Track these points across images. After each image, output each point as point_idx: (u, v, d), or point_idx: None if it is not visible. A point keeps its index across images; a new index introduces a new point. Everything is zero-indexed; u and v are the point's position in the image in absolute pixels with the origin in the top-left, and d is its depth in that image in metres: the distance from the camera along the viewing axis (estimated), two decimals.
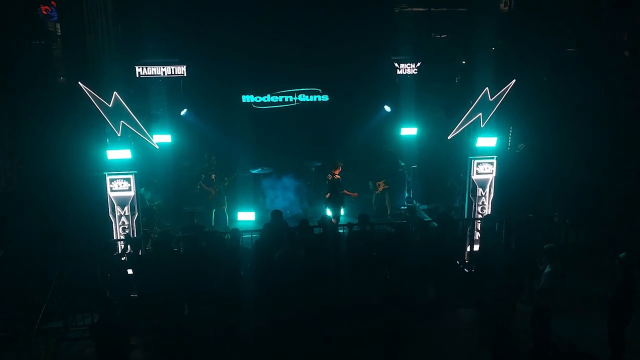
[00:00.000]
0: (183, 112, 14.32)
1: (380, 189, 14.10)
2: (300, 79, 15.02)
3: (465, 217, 11.70)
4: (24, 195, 13.32)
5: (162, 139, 13.15)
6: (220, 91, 14.59)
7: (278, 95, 15.19)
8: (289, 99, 15.13)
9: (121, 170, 10.56)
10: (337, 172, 13.06)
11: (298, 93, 15.18)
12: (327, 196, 13.08)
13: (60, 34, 14.78)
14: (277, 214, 10.47)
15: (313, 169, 15.14)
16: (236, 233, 9.83)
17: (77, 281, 9.66)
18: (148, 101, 13.07)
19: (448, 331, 9.44)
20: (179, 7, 13.64)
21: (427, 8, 15.29)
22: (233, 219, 13.73)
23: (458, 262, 10.99)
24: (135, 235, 10.60)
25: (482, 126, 11.21)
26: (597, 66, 14.77)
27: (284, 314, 8.88)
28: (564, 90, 15.02)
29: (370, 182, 14.25)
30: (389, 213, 14.05)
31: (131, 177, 10.57)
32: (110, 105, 10.18)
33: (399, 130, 14.59)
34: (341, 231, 10.75)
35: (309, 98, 15.17)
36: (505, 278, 8.41)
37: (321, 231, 9.99)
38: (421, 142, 14.95)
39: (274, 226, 10.09)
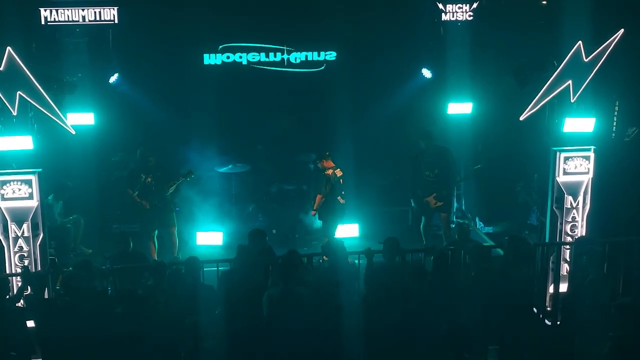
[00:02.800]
0: (113, 79, 14.30)
1: (432, 207, 13.86)
2: (293, 29, 15.05)
3: (547, 240, 11.65)
4: None
5: (80, 119, 13.09)
6: (171, 47, 14.58)
7: (258, 52, 15.26)
8: (276, 55, 15.18)
9: (18, 167, 10.51)
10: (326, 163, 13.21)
11: (290, 51, 15.26)
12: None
13: None
14: (257, 235, 10.39)
15: (312, 165, 15.14)
16: (194, 264, 9.79)
17: None
18: (60, 62, 13.04)
19: None
20: None
21: None
22: (190, 244, 13.73)
23: (535, 310, 10.95)
24: (39, 268, 10.53)
25: (572, 101, 11.16)
26: None
27: None
28: None
29: (412, 200, 13.97)
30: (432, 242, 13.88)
31: (33, 178, 10.50)
32: (1, 69, 10.11)
33: (445, 107, 14.57)
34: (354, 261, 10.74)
35: (306, 58, 15.21)
36: (609, 334, 8.35)
37: (322, 262, 9.95)
38: (479, 125, 14.94)
39: (254, 252, 10.08)
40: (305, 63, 15.46)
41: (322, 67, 15.50)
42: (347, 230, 13.99)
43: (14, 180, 10.46)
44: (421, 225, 13.92)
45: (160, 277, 9.70)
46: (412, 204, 13.97)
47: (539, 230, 12.37)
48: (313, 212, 13.34)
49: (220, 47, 15.20)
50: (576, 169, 11.44)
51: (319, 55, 15.50)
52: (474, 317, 9.34)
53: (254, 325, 9.19)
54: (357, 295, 10.06)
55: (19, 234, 10.58)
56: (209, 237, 13.87)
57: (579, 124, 11.35)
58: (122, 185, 13.65)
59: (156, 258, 12.96)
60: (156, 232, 13.26)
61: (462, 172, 14.79)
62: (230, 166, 14.78)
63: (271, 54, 15.35)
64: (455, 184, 14.38)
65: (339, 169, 13.24)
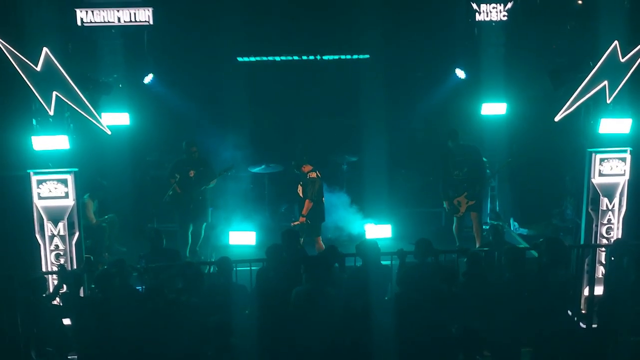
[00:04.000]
0: (148, 80, 14.39)
1: (463, 208, 13.71)
2: (327, 31, 15.07)
3: (582, 242, 11.53)
4: None
5: (116, 119, 13.21)
6: (205, 48, 14.64)
7: (292, 54, 15.30)
8: (308, 57, 15.20)
9: (54, 167, 10.60)
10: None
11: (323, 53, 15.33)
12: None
13: None
14: (290, 235, 10.45)
15: (345, 166, 15.12)
16: (225, 264, 9.80)
17: None
18: (95, 63, 13.15)
19: None
20: None
21: None
22: (223, 242, 13.78)
23: (570, 313, 10.83)
24: (75, 267, 10.62)
25: (608, 102, 11.05)
26: None
27: None
28: None
29: (444, 202, 13.81)
30: (478, 245, 13.70)
31: (69, 177, 10.60)
32: (38, 69, 10.21)
33: (479, 108, 14.47)
34: (387, 263, 10.69)
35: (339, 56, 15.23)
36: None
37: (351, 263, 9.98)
38: (513, 126, 14.82)
39: (284, 250, 10.11)
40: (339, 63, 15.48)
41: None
42: (380, 231, 13.95)
43: (50, 180, 10.56)
44: (453, 227, 13.84)
45: (190, 278, 9.74)
46: (444, 206, 13.87)
47: (574, 232, 12.24)
48: (302, 219, 12.91)
49: (254, 59, 15.27)
50: (612, 171, 11.33)
51: (351, 58, 15.49)
52: (507, 319, 9.29)
53: (284, 323, 9.22)
54: (390, 295, 10.04)
55: (55, 233, 10.68)
56: (242, 237, 13.88)
57: (615, 125, 11.23)
58: (162, 182, 13.84)
59: (187, 254, 13.17)
60: (191, 226, 13.41)
61: (497, 166, 14.63)
62: (263, 166, 14.79)
63: (304, 57, 15.35)
64: (486, 180, 14.30)
65: (317, 171, 13.07)
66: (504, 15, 13.92)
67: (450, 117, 15.11)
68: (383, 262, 10.28)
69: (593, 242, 11.43)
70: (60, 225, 10.67)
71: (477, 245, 13.42)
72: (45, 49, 10.21)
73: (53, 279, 10.46)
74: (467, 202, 13.52)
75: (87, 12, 12.94)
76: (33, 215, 10.65)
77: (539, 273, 9.99)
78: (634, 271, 10.00)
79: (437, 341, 8.93)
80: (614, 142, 11.33)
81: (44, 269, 10.68)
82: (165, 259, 10.75)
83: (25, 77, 10.20)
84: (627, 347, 9.13)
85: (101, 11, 12.97)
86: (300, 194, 13.03)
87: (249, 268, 10.46)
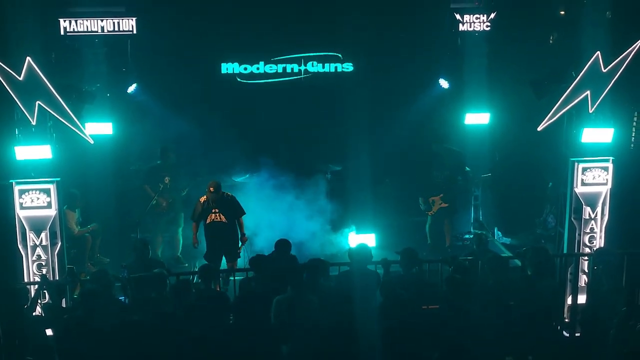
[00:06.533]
0: (131, 89, 14.37)
1: (436, 208, 13.97)
2: (310, 40, 15.07)
3: (565, 251, 11.56)
4: None
5: (99, 128, 13.21)
6: (189, 57, 14.63)
7: (276, 63, 15.24)
8: (292, 69, 15.17)
9: (37, 176, 10.58)
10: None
11: (307, 60, 15.22)
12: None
13: None
14: (283, 245, 10.47)
15: (329, 175, 15.12)
16: (208, 274, 9.77)
17: None
18: (78, 72, 13.13)
19: None
20: None
21: None
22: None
23: (554, 322, 10.86)
24: (57, 277, 10.55)
25: (590, 111, 11.15)
26: None
27: None
28: None
29: (420, 199, 14.13)
30: (447, 244, 13.98)
31: (52, 187, 10.56)
32: (21, 79, 10.21)
33: (463, 118, 14.55)
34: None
35: (323, 67, 15.22)
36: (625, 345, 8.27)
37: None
38: (496, 136, 14.90)
39: (276, 260, 10.08)
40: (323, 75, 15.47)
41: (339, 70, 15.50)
42: (364, 240, 13.91)
43: (32, 190, 10.53)
44: (427, 225, 14.19)
45: (162, 288, 9.71)
46: (420, 202, 14.20)
47: (557, 240, 12.29)
48: (245, 238, 12.50)
49: (238, 71, 15.27)
50: (594, 180, 11.40)
51: (335, 70, 15.48)
52: (490, 328, 9.31)
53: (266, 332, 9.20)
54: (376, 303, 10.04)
55: (37, 243, 10.64)
56: None
57: (598, 134, 11.32)
58: (139, 180, 14.01)
59: (159, 254, 13.38)
60: (163, 232, 13.71)
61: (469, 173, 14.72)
62: (247, 175, 14.76)
63: (288, 66, 15.32)
64: (462, 184, 14.51)
65: None
66: (487, 26, 14.05)
67: (434, 127, 15.18)
68: None
69: (576, 251, 11.49)
70: (43, 235, 10.63)
71: (447, 244, 14.07)
72: (28, 59, 10.21)
73: (35, 290, 10.41)
74: (441, 204, 13.87)
75: (70, 21, 12.96)
76: (15, 225, 10.60)
77: (524, 282, 10.02)
78: (606, 281, 10.05)
79: (422, 350, 8.93)
80: (596, 151, 11.42)
81: (26, 280, 10.63)
82: (150, 269, 10.70)
83: (8, 86, 10.19)
84: (613, 357, 9.15)
85: (85, 21, 13.00)
86: (223, 219, 12.33)
87: (232, 278, 10.46)
